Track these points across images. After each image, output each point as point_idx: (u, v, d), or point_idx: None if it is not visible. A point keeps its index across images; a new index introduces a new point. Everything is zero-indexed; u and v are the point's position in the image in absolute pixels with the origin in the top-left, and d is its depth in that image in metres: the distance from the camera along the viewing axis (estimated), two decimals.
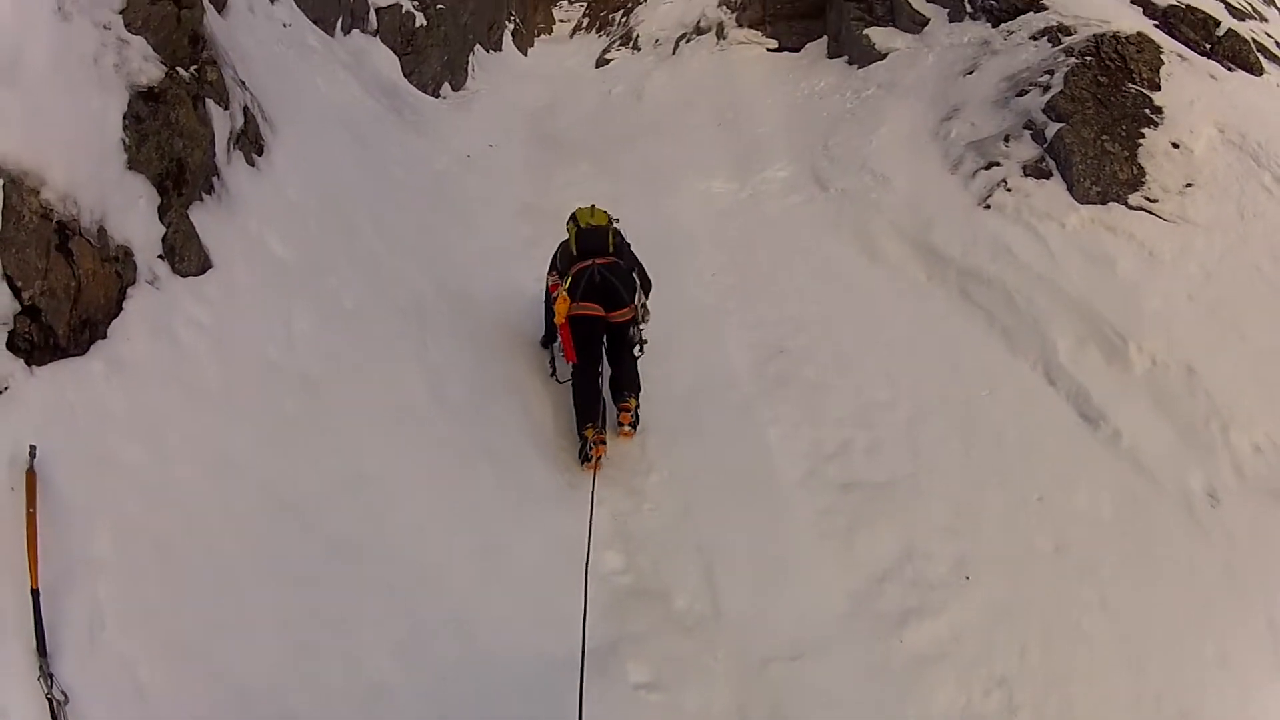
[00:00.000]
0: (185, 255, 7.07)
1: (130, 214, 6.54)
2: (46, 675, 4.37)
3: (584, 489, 8.85)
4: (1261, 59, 15.41)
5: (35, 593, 4.51)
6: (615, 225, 10.89)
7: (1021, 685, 7.45)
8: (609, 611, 7.70)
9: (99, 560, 5.01)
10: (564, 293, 10.12)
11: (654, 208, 16.00)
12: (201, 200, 7.67)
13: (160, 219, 6.86)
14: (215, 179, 8.03)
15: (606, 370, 10.57)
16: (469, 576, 7.40)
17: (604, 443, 9.86)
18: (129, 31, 7.07)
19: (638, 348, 10.64)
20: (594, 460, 9.67)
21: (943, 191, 14.33)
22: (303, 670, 5.70)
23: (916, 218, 14.18)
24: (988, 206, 13.43)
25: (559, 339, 10.52)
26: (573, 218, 10.86)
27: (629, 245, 10.89)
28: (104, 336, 6.00)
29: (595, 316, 10.20)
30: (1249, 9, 17.95)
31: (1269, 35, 17.11)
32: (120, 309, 6.23)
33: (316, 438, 7.26)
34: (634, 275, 10.64)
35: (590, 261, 10.33)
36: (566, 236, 10.84)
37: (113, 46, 6.85)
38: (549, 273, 11.15)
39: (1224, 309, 10.84)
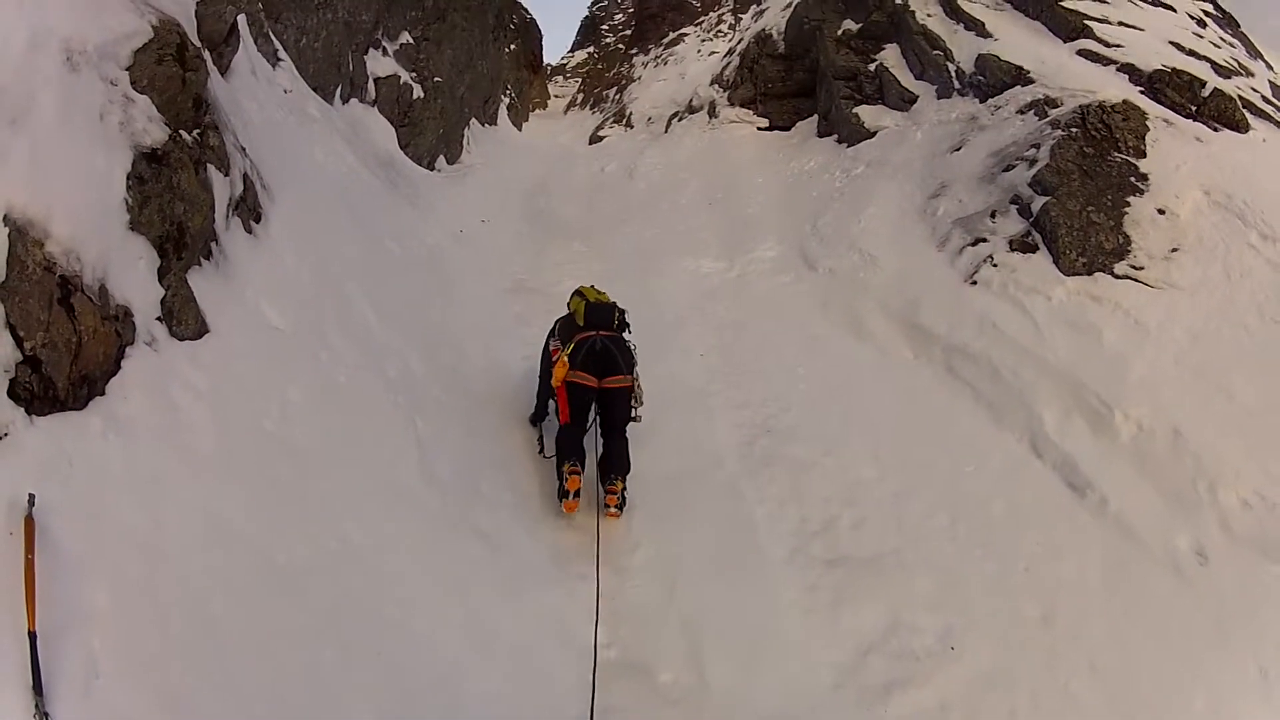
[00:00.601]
0: (183, 319, 7.10)
1: (130, 275, 6.56)
2: (43, 714, 4.39)
3: (570, 566, 8.96)
4: (1248, 115, 15.53)
5: (33, 635, 4.53)
6: (617, 304, 11.30)
7: None
8: (596, 684, 7.51)
9: (95, 611, 5.01)
10: (565, 357, 10.45)
11: (644, 287, 16.03)
12: (200, 265, 7.71)
13: (159, 281, 6.89)
14: (214, 244, 8.07)
15: (598, 449, 10.54)
16: (456, 648, 7.38)
17: (578, 474, 10.13)
18: (135, 90, 7.08)
19: (633, 418, 10.79)
20: (571, 496, 10.01)
21: (930, 269, 14.44)
22: None
23: (903, 296, 14.26)
24: (974, 283, 13.51)
25: (549, 414, 10.98)
26: (579, 293, 11.42)
27: (629, 326, 11.26)
28: (102, 394, 6.03)
29: (588, 386, 10.46)
30: (1235, 66, 18.09)
31: (1255, 90, 17.25)
32: (119, 368, 6.25)
33: (307, 506, 7.25)
34: (633, 353, 10.89)
35: (594, 332, 10.69)
36: (567, 312, 11.24)
37: (119, 104, 6.87)
38: (549, 338, 11.39)
39: (1210, 370, 10.85)
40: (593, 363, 10.50)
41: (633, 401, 10.78)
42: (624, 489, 10.27)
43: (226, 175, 8.51)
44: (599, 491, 10.16)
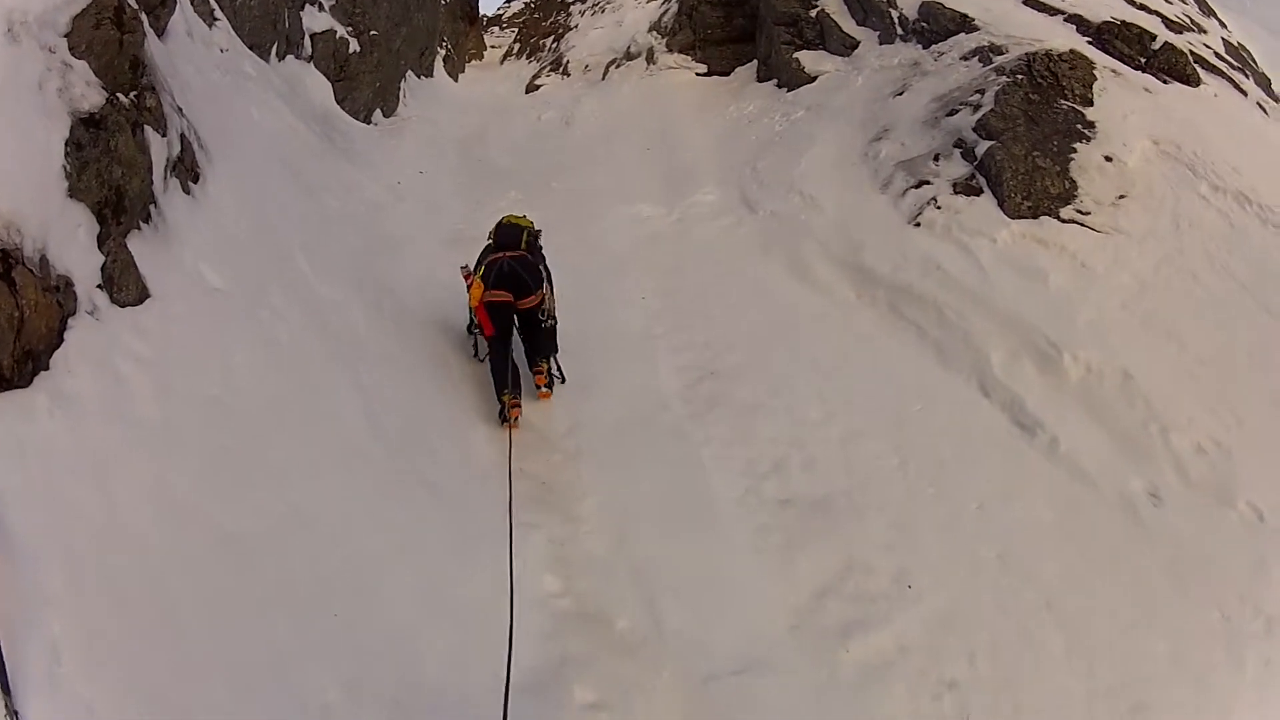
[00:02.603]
0: (124, 285, 7.00)
1: (70, 243, 6.49)
2: (12, 713, 4.26)
3: (519, 516, 8.71)
4: (1199, 70, 15.65)
5: None
6: (531, 226, 12.21)
7: (971, 690, 7.37)
8: (551, 635, 7.63)
9: (52, 597, 4.92)
10: (478, 279, 11.25)
11: (584, 233, 16.06)
12: (139, 229, 7.60)
13: (99, 248, 6.79)
14: (152, 207, 7.96)
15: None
16: (411, 607, 7.31)
17: (519, 405, 10.89)
18: (73, 56, 7.06)
19: (545, 324, 11.56)
20: (512, 421, 10.63)
21: (872, 211, 14.44)
22: (251, 703, 5.61)
23: (846, 238, 14.23)
24: (918, 224, 13.52)
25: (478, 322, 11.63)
26: (499, 221, 12.27)
27: (541, 248, 12.13)
28: (46, 368, 5.91)
29: (506, 303, 11.22)
30: (1187, 22, 18.30)
31: (1207, 46, 17.46)
32: (61, 340, 6.14)
33: (256, 473, 7.18)
34: (541, 269, 11.65)
35: (502, 254, 11.44)
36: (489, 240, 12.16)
37: (57, 71, 6.85)
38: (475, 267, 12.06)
39: (1160, 317, 10.90)
40: (504, 283, 11.16)
41: (540, 315, 11.45)
42: (550, 368, 11.53)
43: (164, 136, 8.46)
44: (529, 381, 11.43)
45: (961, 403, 10.71)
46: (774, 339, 12.52)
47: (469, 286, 11.45)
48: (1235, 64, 17.64)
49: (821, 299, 13.34)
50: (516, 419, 10.70)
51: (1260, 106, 16.22)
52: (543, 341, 11.49)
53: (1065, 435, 9.81)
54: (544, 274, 11.63)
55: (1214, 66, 16.39)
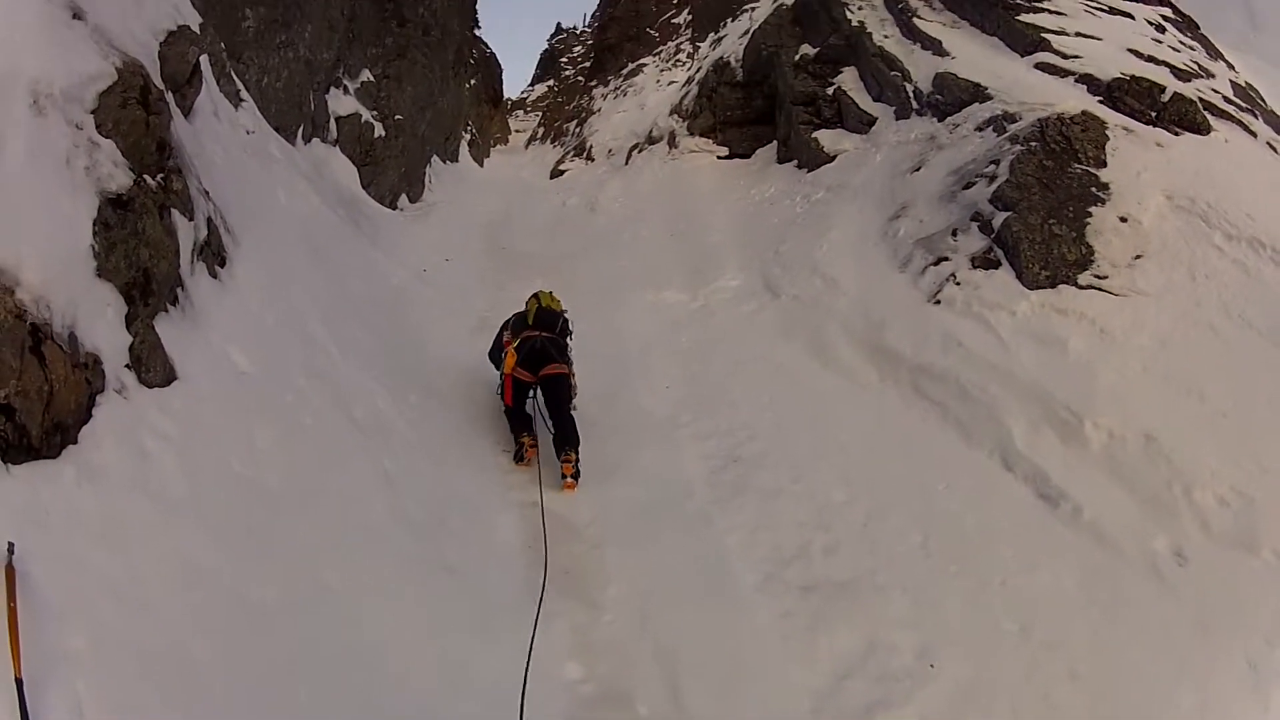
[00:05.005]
0: (151, 366, 7.05)
1: (99, 322, 6.52)
2: None
3: (544, 602, 8.75)
4: (1209, 117, 15.71)
5: (19, 681, 4.47)
6: (565, 313, 13.50)
7: None
8: None
9: (77, 656, 4.95)
10: (513, 350, 12.47)
11: (607, 320, 16.24)
12: (166, 311, 7.66)
13: (127, 329, 6.84)
14: (179, 290, 8.03)
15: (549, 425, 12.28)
16: (433, 687, 7.26)
17: (536, 446, 12.09)
18: (100, 134, 7.04)
19: (573, 400, 12.48)
20: (527, 460, 11.92)
21: (893, 291, 14.57)
22: None
23: (867, 319, 14.35)
24: (938, 302, 13.61)
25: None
26: (535, 296, 13.57)
27: (571, 333, 13.38)
28: (75, 441, 5.96)
29: (527, 381, 12.40)
30: (1195, 68, 18.31)
31: (1215, 91, 17.41)
32: (90, 416, 6.19)
33: (280, 549, 7.18)
34: (568, 353, 12.93)
35: (538, 333, 12.68)
36: (523, 309, 13.33)
37: (84, 148, 6.83)
38: (502, 329, 13.48)
39: (1180, 374, 10.90)
40: (532, 359, 12.38)
41: (566, 385, 12.41)
42: (577, 460, 11.68)
43: (191, 220, 8.49)
44: (555, 471, 11.64)
45: (984, 478, 10.69)
46: (798, 424, 12.60)
47: (504, 353, 12.58)
48: (1244, 105, 17.62)
49: (845, 382, 13.46)
50: (531, 460, 11.79)
51: (1270, 146, 16.19)
52: (569, 427, 11.84)
53: (1088, 503, 9.74)
54: (569, 357, 12.75)
55: (1223, 111, 16.38)
